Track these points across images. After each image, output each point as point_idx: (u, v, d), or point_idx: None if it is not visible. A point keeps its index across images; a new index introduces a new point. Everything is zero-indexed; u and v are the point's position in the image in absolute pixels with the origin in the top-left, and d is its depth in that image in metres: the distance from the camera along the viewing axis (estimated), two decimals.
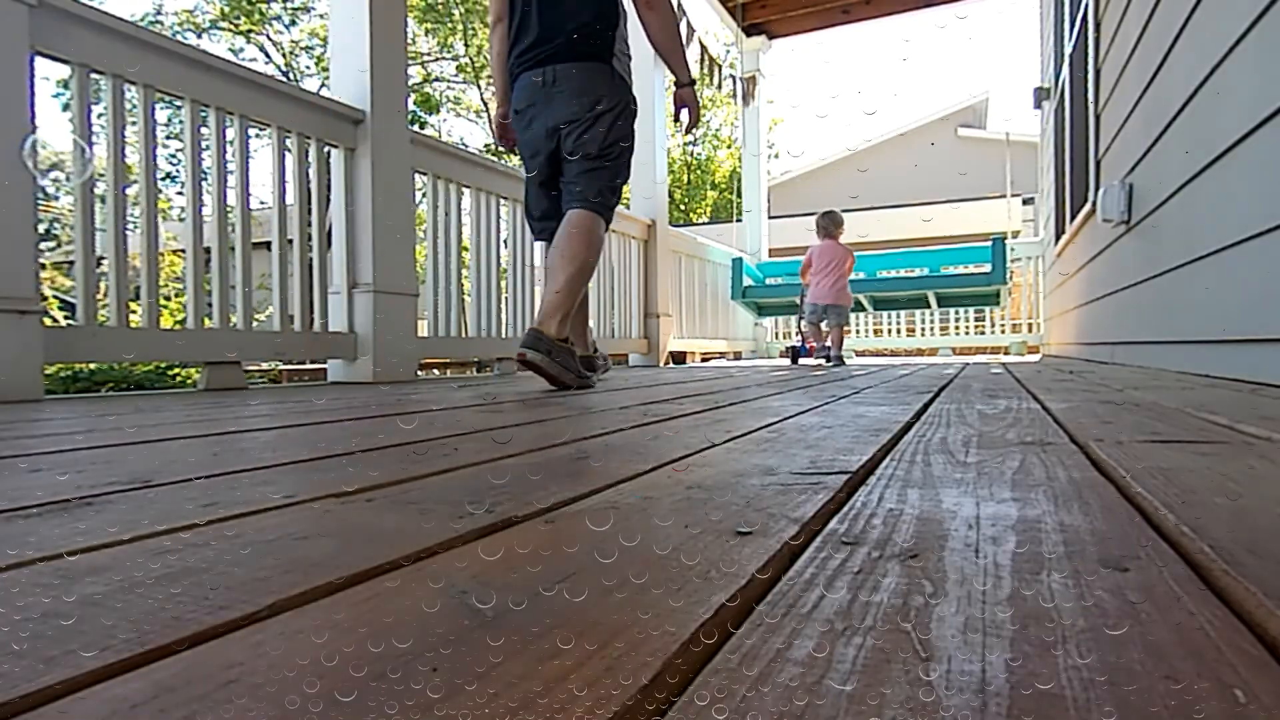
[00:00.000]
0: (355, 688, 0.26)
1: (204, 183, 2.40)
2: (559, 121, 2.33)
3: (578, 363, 2.25)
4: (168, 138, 10.91)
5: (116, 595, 0.37)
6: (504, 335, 3.76)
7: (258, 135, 2.71)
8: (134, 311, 2.27)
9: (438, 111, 17.53)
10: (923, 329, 7.51)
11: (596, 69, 2.32)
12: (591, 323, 2.86)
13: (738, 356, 7.06)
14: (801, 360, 5.34)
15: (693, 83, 2.52)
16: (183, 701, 0.25)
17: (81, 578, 0.39)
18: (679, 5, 5.64)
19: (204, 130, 2.40)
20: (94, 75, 2.06)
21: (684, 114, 2.54)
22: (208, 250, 2.41)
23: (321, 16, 15.82)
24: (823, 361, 4.70)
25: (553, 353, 2.16)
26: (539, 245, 3.96)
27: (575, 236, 2.26)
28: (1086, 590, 0.36)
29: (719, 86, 6.92)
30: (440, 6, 15.75)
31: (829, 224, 4.78)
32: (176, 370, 5.23)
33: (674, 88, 2.55)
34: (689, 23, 5.93)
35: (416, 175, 3.21)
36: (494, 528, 0.50)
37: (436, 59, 17.04)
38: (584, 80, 2.31)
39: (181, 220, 2.42)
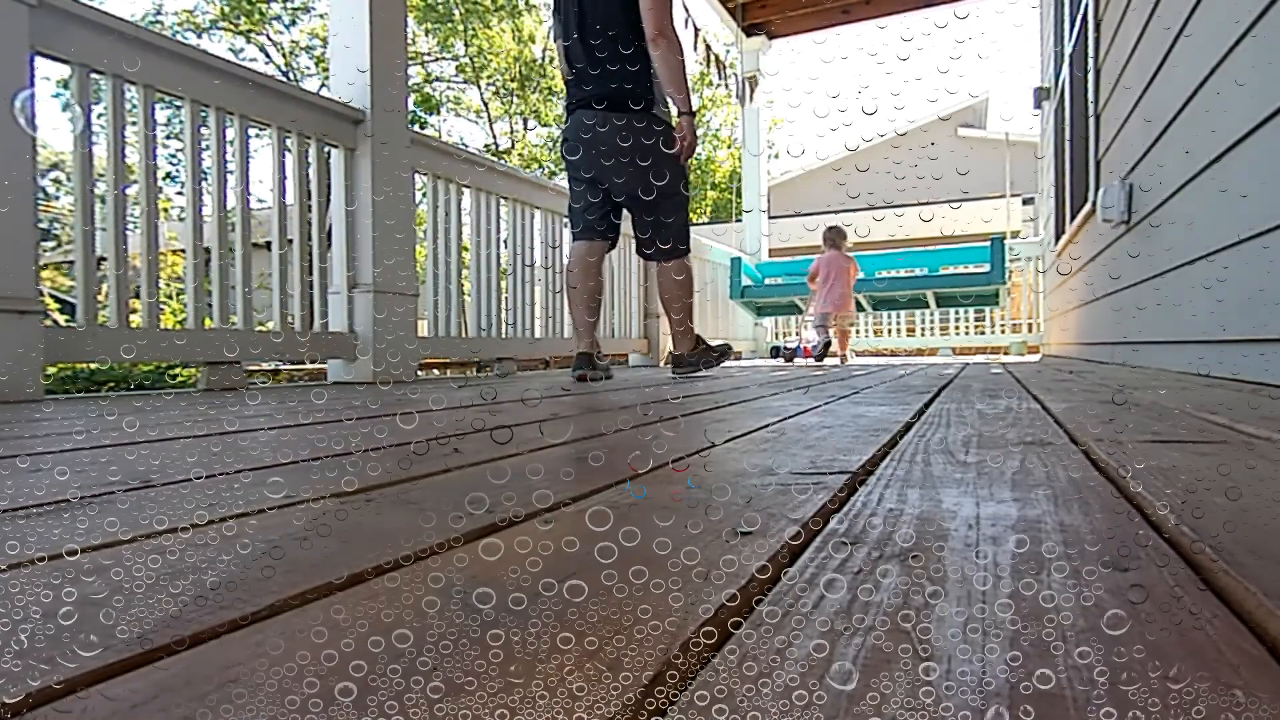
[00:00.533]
0: (355, 687, 0.26)
1: (204, 183, 2.40)
2: (612, 173, 2.73)
3: (708, 352, 3.04)
4: (168, 138, 10.89)
5: (116, 595, 0.37)
6: (504, 335, 3.76)
7: (258, 135, 2.72)
8: (134, 311, 2.27)
9: (438, 111, 17.52)
10: (923, 329, 7.50)
11: (636, 120, 2.66)
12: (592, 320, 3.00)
13: (738, 356, 7.06)
14: (796, 360, 5.37)
15: (692, 114, 2.69)
16: (183, 701, 0.25)
17: (81, 577, 0.39)
18: (683, 6, 5.65)
19: (204, 130, 2.40)
20: (94, 75, 2.06)
21: (679, 144, 2.73)
22: (208, 250, 2.41)
23: (321, 16, 15.81)
24: (836, 362, 4.77)
25: (692, 362, 3.00)
26: (538, 244, 4.02)
27: (677, 281, 2.91)
28: (1086, 590, 0.36)
29: (726, 85, 6.90)
30: (440, 6, 15.75)
31: (834, 237, 5.28)
32: (176, 370, 5.22)
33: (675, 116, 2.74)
34: (693, 23, 5.92)
35: (416, 175, 3.21)
36: (494, 528, 0.50)
37: (436, 59, 17.04)
38: (627, 135, 2.66)
39: (181, 220, 2.42)
